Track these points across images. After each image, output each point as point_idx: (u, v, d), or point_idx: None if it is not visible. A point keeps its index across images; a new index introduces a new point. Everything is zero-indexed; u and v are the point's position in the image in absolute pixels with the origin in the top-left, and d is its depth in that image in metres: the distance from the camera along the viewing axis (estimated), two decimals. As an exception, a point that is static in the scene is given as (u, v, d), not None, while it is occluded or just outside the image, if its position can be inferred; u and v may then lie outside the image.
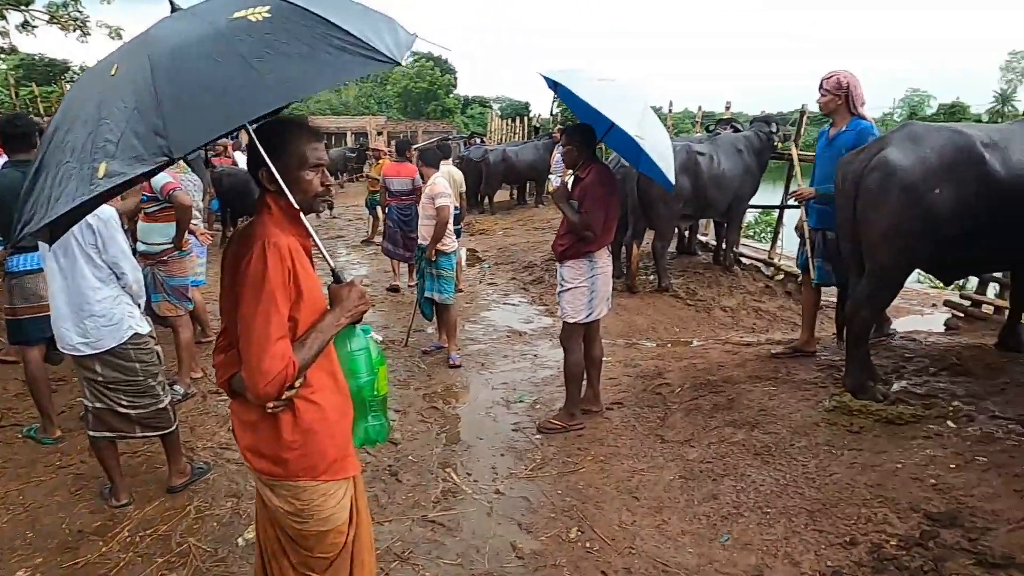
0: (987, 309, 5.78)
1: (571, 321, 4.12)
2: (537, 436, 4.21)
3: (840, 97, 4.38)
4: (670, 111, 12.48)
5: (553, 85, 3.96)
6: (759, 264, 8.53)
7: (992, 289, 5.98)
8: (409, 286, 7.99)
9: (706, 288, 7.61)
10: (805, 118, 8.13)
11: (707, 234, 9.87)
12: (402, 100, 48.46)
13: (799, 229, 4.96)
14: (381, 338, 6.13)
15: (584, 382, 4.34)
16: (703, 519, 3.19)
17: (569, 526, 3.22)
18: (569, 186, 4.10)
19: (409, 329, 6.13)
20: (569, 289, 4.09)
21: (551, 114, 22.01)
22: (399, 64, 1.61)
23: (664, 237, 7.56)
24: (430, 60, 48.27)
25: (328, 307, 1.79)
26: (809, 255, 4.80)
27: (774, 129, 8.18)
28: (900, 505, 3.01)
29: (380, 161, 10.20)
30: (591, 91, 3.66)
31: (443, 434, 4.33)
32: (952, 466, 3.24)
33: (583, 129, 4.07)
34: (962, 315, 5.93)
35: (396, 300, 7.86)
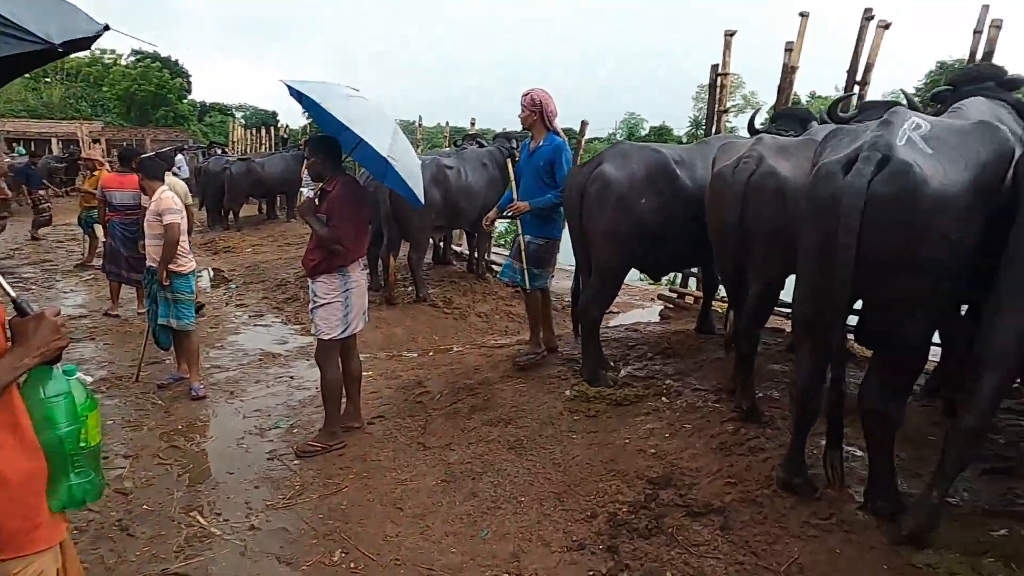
0: (690, 300, 6.87)
1: (326, 338, 4.00)
2: (296, 462, 4.00)
3: (536, 113, 4.74)
4: (420, 124, 12.78)
5: (298, 95, 3.79)
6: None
7: (692, 283, 7.14)
8: (139, 313, 7.06)
9: (462, 296, 7.92)
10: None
11: (461, 244, 10.29)
12: (123, 104, 42.62)
13: (515, 245, 5.07)
14: (93, 378, 5.33)
15: (344, 399, 4.24)
16: (464, 518, 3.31)
17: (332, 549, 3.11)
18: (317, 199, 3.99)
19: (140, 362, 5.42)
20: (323, 305, 3.96)
21: (309, 123, 21.11)
22: (53, 46, 1.45)
23: (419, 248, 7.70)
24: (156, 61, 43.06)
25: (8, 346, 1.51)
26: (524, 265, 4.88)
27: (514, 145, 8.83)
28: (629, 475, 3.45)
29: (95, 173, 8.89)
30: (340, 106, 3.61)
31: (186, 475, 3.90)
32: (666, 435, 3.80)
33: (328, 141, 3.99)
34: (672, 306, 6.97)
35: (124, 330, 6.90)
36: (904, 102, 3.97)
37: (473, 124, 11.07)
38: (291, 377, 5.53)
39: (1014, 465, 3.18)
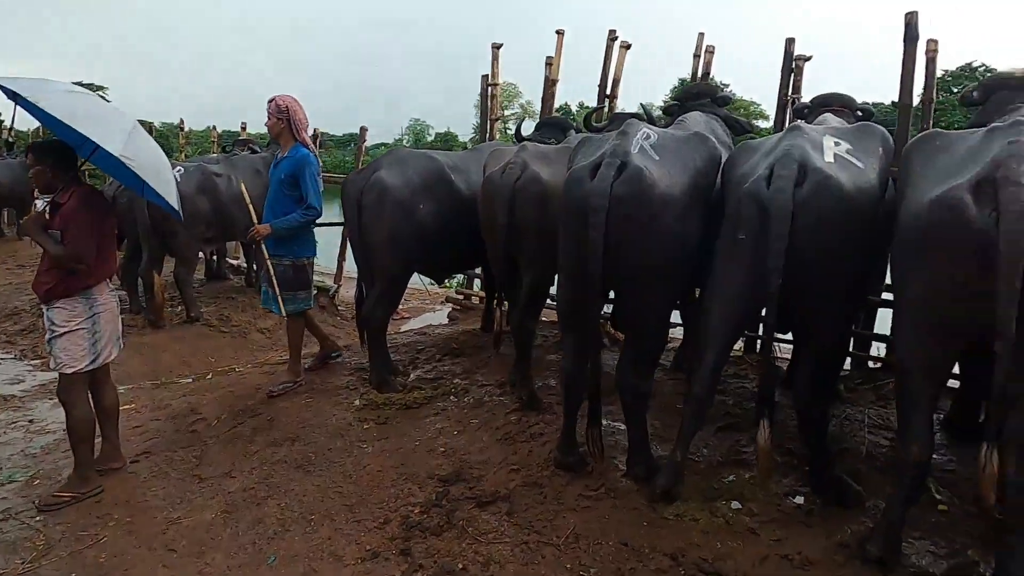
0: (476, 300, 7.14)
1: (70, 371, 3.49)
2: (38, 518, 3.44)
3: (283, 120, 4.39)
4: (182, 128, 11.68)
5: (12, 95, 3.23)
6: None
7: (478, 284, 7.43)
8: None
9: (240, 313, 7.41)
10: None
11: (238, 257, 9.60)
12: None
13: (265, 272, 4.64)
14: None
15: (99, 438, 3.74)
16: (249, 547, 3.11)
17: (88, 610, 2.74)
18: (47, 214, 3.47)
19: None
20: (63, 334, 3.45)
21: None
22: None
23: (187, 264, 7.04)
24: None
25: None
26: (276, 290, 4.50)
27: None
28: (420, 477, 3.50)
29: None
30: (62, 104, 3.16)
31: None
32: (455, 433, 3.92)
33: (57, 146, 3.50)
34: (460, 307, 7.19)
35: None
36: (644, 115, 4.53)
37: (244, 128, 10.38)
38: (30, 421, 4.74)
39: (739, 421, 3.79)
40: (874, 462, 3.33)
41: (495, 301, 4.76)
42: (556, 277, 3.45)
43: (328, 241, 9.42)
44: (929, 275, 2.29)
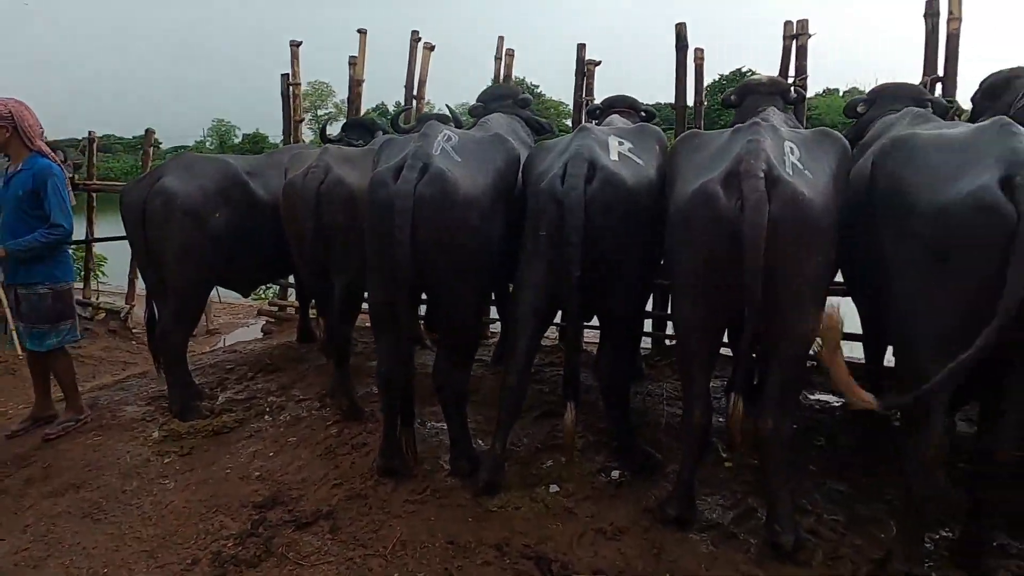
0: (291, 311, 6.77)
1: None
2: None
3: (7, 128, 3.73)
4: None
5: None
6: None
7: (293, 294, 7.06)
8: None
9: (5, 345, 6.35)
10: (94, 146, 7.67)
11: None
12: None
13: None
14: None
15: None
16: (24, 619, 2.68)
17: None
18: None
19: None
20: None
21: None
22: None
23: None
24: None
25: None
26: (14, 323, 3.96)
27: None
28: (232, 507, 3.24)
29: None
30: None
31: None
32: (271, 454, 3.68)
33: None
34: (274, 319, 6.78)
35: None
36: (450, 116, 4.58)
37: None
38: None
39: (555, 407, 3.98)
40: (672, 432, 3.68)
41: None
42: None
43: (117, 259, 8.43)
44: (693, 255, 2.57)
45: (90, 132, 7.73)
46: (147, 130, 7.86)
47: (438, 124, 3.26)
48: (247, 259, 4.29)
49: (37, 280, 3.84)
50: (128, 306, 7.33)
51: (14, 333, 3.87)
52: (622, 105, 4.36)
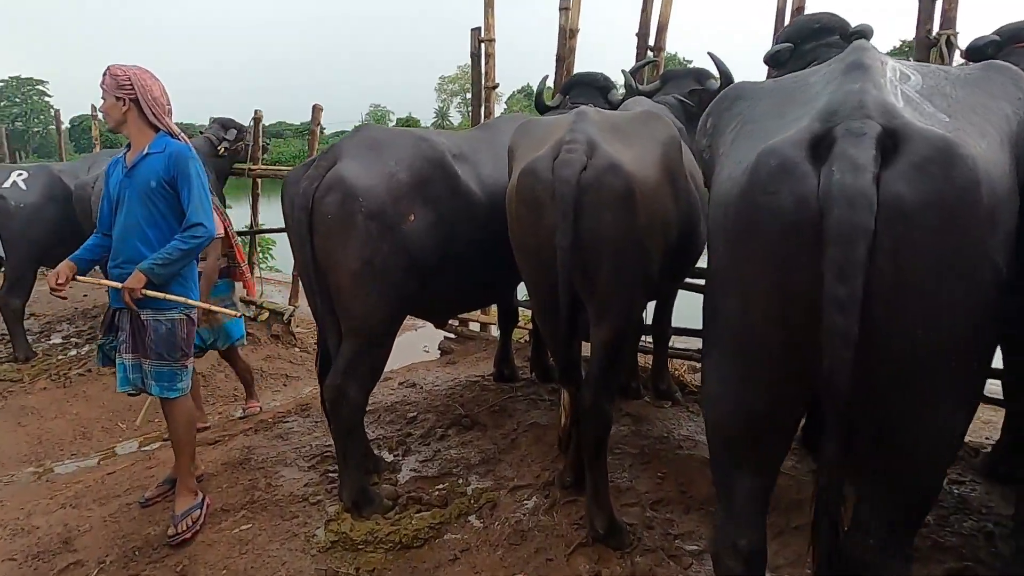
0: (475, 326, 5.51)
1: None
2: None
3: (125, 101, 2.74)
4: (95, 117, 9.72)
5: None
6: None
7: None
8: None
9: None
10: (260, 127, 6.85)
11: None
12: None
13: (111, 327, 2.96)
14: None
15: None
16: None
17: None
18: None
19: None
20: None
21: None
22: None
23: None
24: None
25: None
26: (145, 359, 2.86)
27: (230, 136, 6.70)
28: None
29: None
30: None
31: None
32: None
33: None
34: (455, 336, 5.55)
35: None
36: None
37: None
38: None
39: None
40: None
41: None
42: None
43: (286, 242, 7.63)
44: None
45: (256, 111, 6.93)
46: (314, 106, 6.88)
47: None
48: (450, 279, 2.94)
49: (153, 305, 2.73)
50: (292, 307, 6.45)
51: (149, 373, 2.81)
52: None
